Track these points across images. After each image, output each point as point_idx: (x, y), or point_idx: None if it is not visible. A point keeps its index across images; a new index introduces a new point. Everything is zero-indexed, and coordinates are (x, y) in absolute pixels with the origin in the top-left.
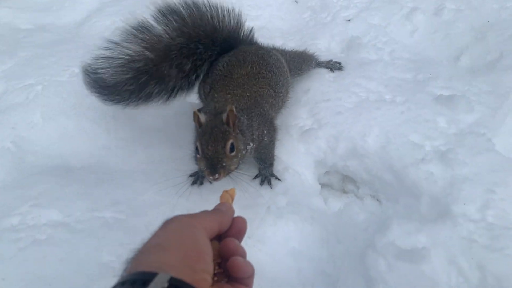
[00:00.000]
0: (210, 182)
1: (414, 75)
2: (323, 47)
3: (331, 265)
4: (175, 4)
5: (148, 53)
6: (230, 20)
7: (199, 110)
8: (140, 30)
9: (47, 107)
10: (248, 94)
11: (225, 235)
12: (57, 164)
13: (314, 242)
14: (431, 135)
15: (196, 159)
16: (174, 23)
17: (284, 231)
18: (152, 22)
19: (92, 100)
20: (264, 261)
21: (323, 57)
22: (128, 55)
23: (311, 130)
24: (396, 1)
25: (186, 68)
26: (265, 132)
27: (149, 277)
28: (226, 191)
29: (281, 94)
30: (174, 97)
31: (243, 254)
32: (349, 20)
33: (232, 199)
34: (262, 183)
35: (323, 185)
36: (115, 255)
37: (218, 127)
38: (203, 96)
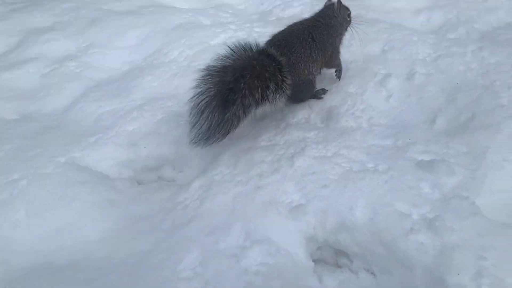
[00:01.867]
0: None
1: (394, 141)
2: (303, 118)
3: None
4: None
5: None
6: None
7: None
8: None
9: (31, 203)
10: None
11: None
12: (43, 262)
13: None
14: (416, 202)
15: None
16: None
17: None
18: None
19: (79, 191)
20: None
21: (306, 128)
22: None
23: (299, 206)
24: (369, 68)
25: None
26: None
27: None
28: None
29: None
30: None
31: None
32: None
33: None
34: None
35: (316, 261)
36: None
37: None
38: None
